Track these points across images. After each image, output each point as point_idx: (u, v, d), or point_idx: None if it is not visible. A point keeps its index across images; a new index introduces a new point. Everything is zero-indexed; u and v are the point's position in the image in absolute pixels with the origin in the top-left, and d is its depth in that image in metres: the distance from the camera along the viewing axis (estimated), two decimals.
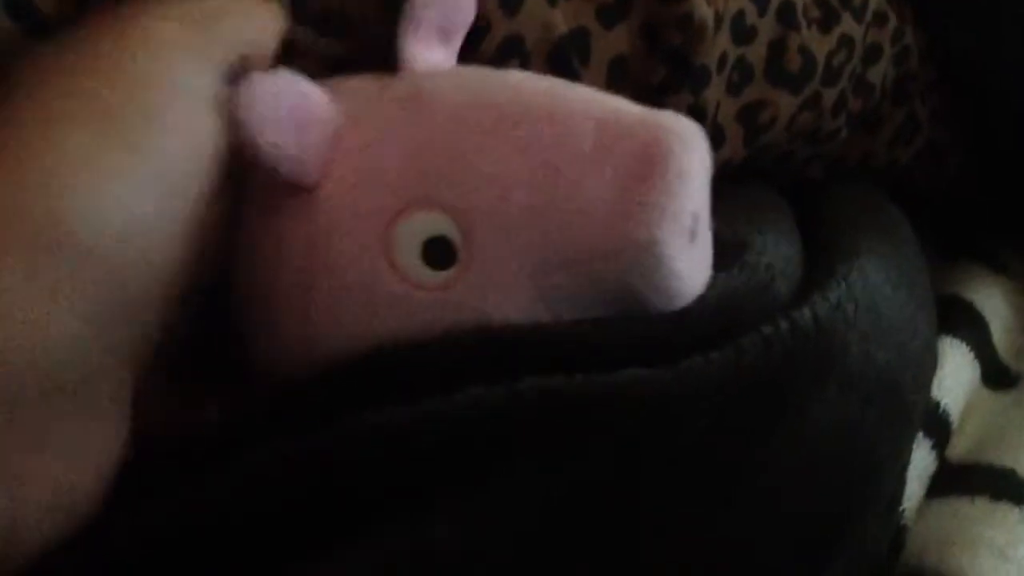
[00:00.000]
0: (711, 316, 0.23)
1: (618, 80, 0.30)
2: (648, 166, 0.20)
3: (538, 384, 0.20)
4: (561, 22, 0.28)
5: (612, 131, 0.21)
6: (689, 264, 0.21)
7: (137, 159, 0.18)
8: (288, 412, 0.21)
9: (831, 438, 0.22)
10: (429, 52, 0.24)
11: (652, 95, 0.30)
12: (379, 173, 0.21)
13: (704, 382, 0.21)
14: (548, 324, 0.21)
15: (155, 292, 0.19)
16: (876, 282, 0.26)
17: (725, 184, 0.34)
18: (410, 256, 0.21)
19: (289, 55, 0.24)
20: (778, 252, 0.26)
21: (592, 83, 0.29)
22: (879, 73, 0.37)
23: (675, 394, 0.21)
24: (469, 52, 0.26)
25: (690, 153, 0.20)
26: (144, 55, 0.19)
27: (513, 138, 0.21)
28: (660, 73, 0.30)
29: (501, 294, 0.21)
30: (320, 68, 0.24)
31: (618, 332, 0.22)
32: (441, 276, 0.21)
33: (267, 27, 0.23)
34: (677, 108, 0.30)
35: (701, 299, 0.23)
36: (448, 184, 0.21)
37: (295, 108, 0.20)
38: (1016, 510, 0.28)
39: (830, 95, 0.35)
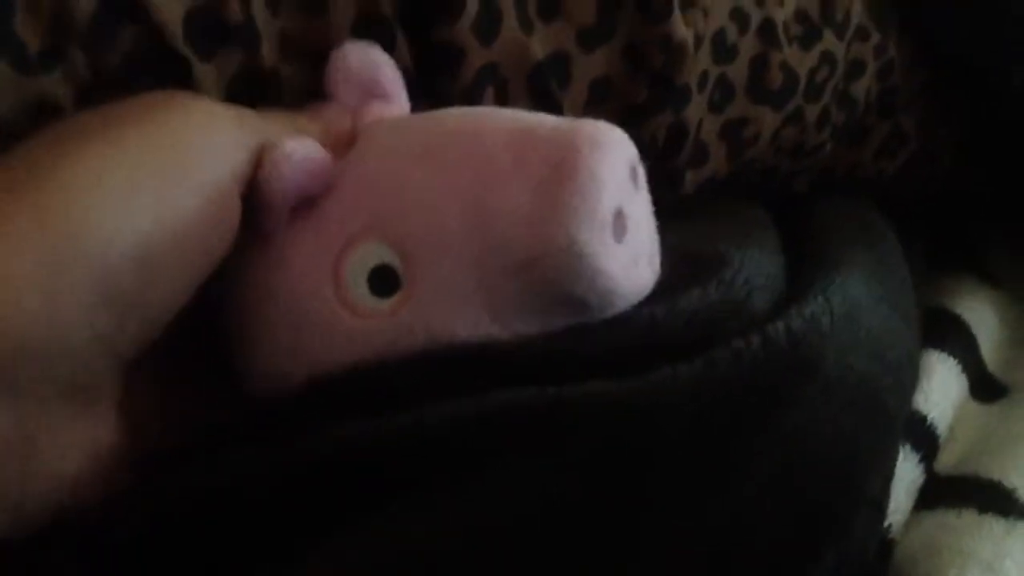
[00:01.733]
0: (683, 331, 0.23)
1: (600, 101, 0.30)
2: (560, 170, 0.21)
3: (506, 397, 0.21)
4: (538, 49, 0.28)
5: (528, 142, 0.22)
6: (617, 261, 0.21)
7: (153, 193, 0.19)
8: (264, 426, 0.21)
9: (809, 446, 0.23)
10: (367, 108, 0.25)
11: (635, 115, 0.31)
12: (326, 212, 0.22)
13: (672, 393, 0.21)
14: (517, 338, 0.22)
15: (155, 305, 0.20)
16: (856, 294, 0.27)
17: (709, 201, 0.34)
18: (357, 287, 0.22)
19: (270, 85, 0.25)
20: (758, 269, 0.27)
21: (573, 105, 0.30)
22: (862, 88, 0.37)
23: (643, 405, 0.21)
24: (445, 82, 0.27)
25: (601, 153, 0.21)
26: (184, 119, 0.20)
27: (437, 164, 0.22)
28: (643, 94, 0.30)
29: (447, 312, 0.21)
30: (297, 97, 0.25)
31: (587, 345, 0.22)
32: (387, 303, 0.22)
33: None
34: (659, 126, 0.31)
35: (673, 314, 0.23)
36: (384, 215, 0.22)
37: (312, 176, 0.22)
38: (1002, 522, 0.28)
39: (813, 110, 0.35)
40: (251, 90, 0.24)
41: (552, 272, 0.21)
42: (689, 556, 0.21)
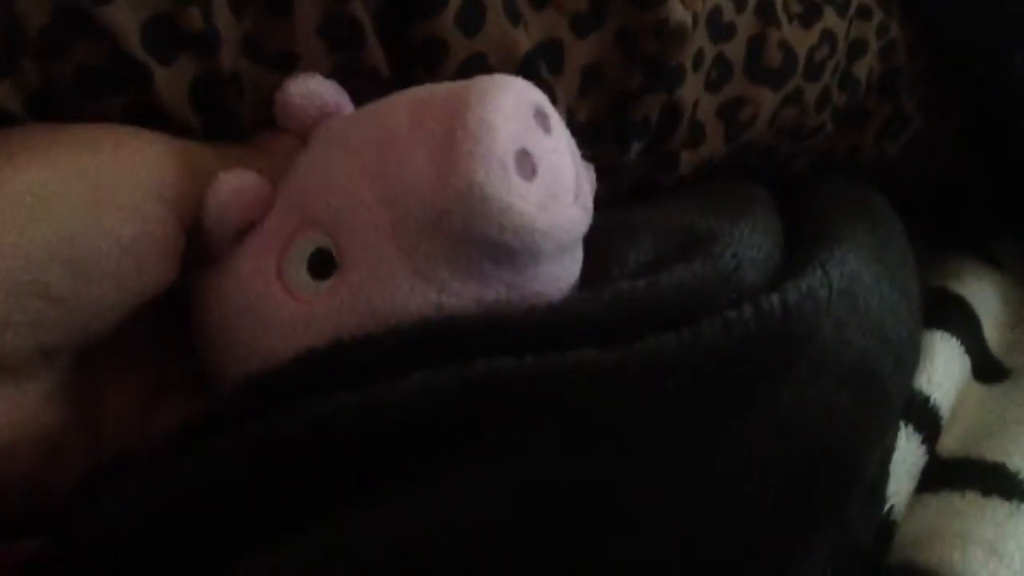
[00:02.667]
0: (669, 303, 0.23)
1: (593, 87, 0.30)
2: (450, 123, 0.21)
3: (487, 367, 0.20)
4: (524, 39, 0.28)
5: (424, 107, 0.23)
6: (526, 198, 0.21)
7: (83, 210, 0.21)
8: (241, 407, 0.21)
9: (802, 421, 0.22)
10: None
11: (628, 99, 0.30)
12: (268, 218, 0.24)
13: (657, 363, 0.21)
14: (498, 310, 0.22)
15: (84, 306, 0.21)
16: (855, 269, 0.26)
17: (705, 180, 0.34)
18: (298, 275, 0.23)
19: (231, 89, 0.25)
20: (750, 241, 0.26)
21: (566, 91, 0.29)
22: (864, 67, 0.36)
23: (627, 375, 0.21)
24: (425, 77, 0.27)
25: (490, 98, 0.22)
26: (114, 151, 0.22)
27: (349, 147, 0.23)
28: (637, 79, 0.30)
29: (381, 284, 0.22)
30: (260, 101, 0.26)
31: (568, 316, 0.22)
32: (326, 284, 0.23)
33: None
34: (651, 107, 0.30)
35: (657, 286, 0.23)
36: (314, 204, 0.23)
37: (248, 204, 0.24)
38: (1006, 505, 0.28)
39: (813, 90, 0.34)
40: (212, 95, 0.25)
41: (462, 220, 0.21)
42: (670, 534, 0.20)
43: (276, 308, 0.23)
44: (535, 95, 0.23)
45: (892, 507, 0.28)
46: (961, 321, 0.35)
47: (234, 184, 0.23)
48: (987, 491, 0.28)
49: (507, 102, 0.22)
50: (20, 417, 0.21)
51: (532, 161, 0.22)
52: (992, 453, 0.30)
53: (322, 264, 0.23)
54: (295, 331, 0.22)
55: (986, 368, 0.34)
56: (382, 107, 0.24)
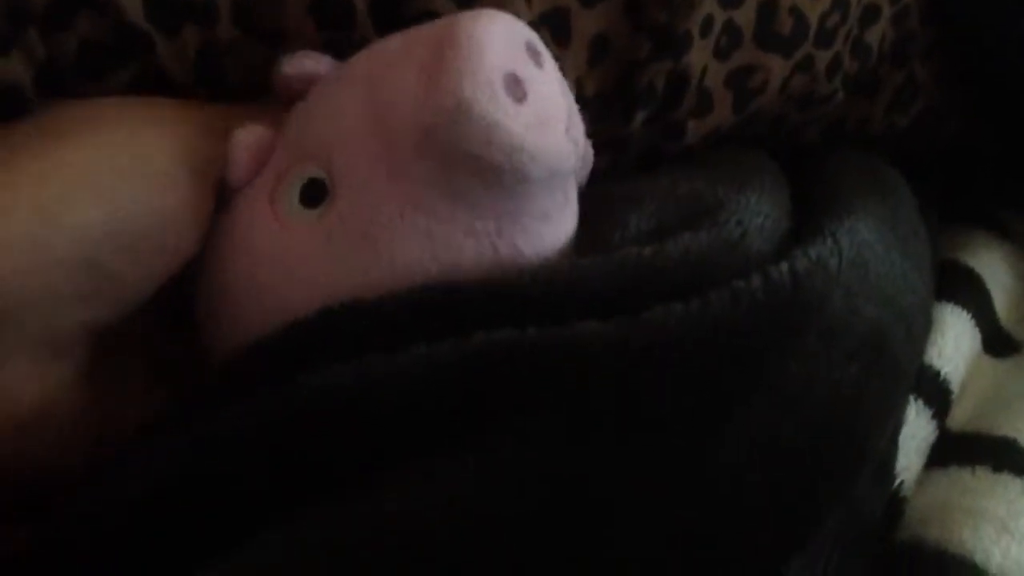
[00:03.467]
0: (674, 271, 0.22)
1: (600, 56, 0.29)
2: (441, 45, 0.21)
3: (486, 340, 0.20)
4: (525, 9, 0.27)
5: (414, 36, 0.23)
6: (514, 119, 0.21)
7: (126, 186, 0.21)
8: (231, 383, 0.21)
9: (810, 395, 0.22)
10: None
11: (635, 67, 0.29)
12: (273, 154, 0.24)
13: (663, 334, 0.20)
14: (499, 278, 0.21)
15: (132, 280, 0.22)
16: (866, 239, 0.26)
17: (713, 150, 0.33)
18: (290, 205, 0.23)
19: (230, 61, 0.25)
20: (757, 209, 0.25)
21: (573, 62, 0.29)
22: (877, 34, 0.35)
23: (632, 347, 0.20)
24: None
25: (482, 21, 0.22)
26: (144, 127, 0.22)
27: (343, 80, 0.24)
28: (645, 48, 0.29)
29: (371, 209, 0.22)
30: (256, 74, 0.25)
31: (571, 284, 0.21)
32: (316, 212, 0.22)
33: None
34: (657, 74, 0.30)
35: (662, 254, 0.22)
36: (308, 137, 0.23)
37: (262, 156, 0.24)
38: (1018, 481, 0.27)
39: (824, 58, 0.33)
40: (213, 66, 0.25)
41: (449, 137, 0.21)
42: (675, 512, 0.20)
43: (268, 238, 0.22)
44: (527, 31, 0.23)
45: (901, 483, 0.27)
46: (972, 294, 0.34)
47: (249, 140, 0.23)
48: (998, 467, 0.28)
49: (498, 27, 0.22)
50: (53, 395, 0.21)
51: (522, 87, 0.22)
52: (1003, 428, 0.30)
53: (315, 194, 0.22)
54: (287, 261, 0.22)
55: (997, 341, 0.34)
56: (376, 43, 0.24)
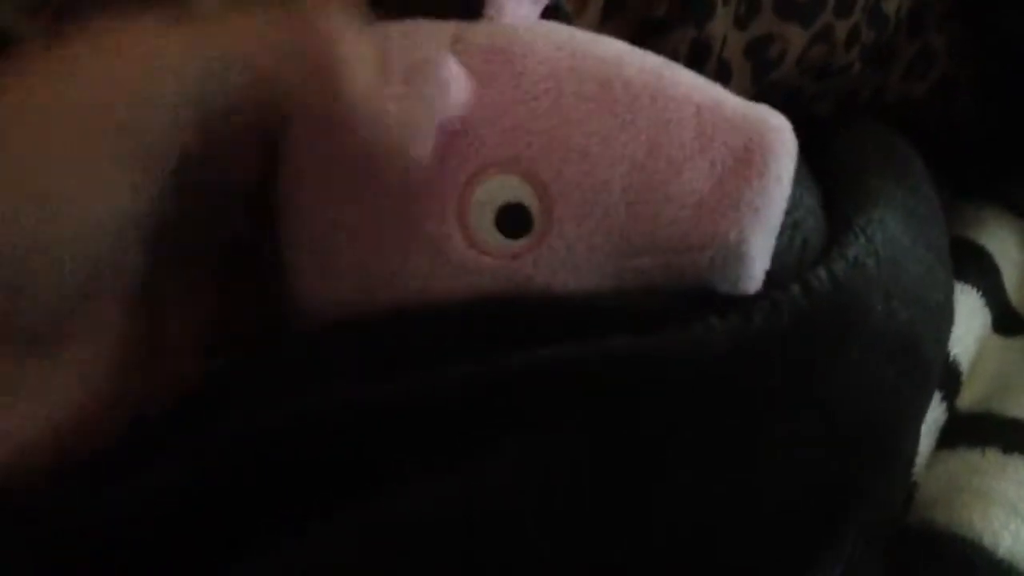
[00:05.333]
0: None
1: (615, 14, 0.28)
2: (748, 164, 0.20)
3: (526, 358, 0.19)
4: None
5: (714, 120, 0.20)
6: (766, 263, 0.21)
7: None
8: (266, 379, 0.20)
9: (853, 402, 0.21)
10: (517, 3, 0.22)
11: (654, 30, 0.28)
12: (458, 129, 0.20)
13: (703, 349, 0.20)
14: (537, 295, 0.20)
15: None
16: (895, 233, 0.25)
17: None
18: (483, 220, 0.20)
19: None
20: (803, 204, 0.24)
21: (588, 19, 0.27)
22: (894, 3, 0.34)
23: (671, 362, 0.20)
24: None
25: (789, 156, 0.20)
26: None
27: (614, 112, 0.20)
28: (663, 6, 0.28)
29: (572, 273, 0.20)
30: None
31: (614, 301, 0.20)
32: (513, 245, 0.20)
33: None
34: (680, 42, 0.29)
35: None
36: (537, 149, 0.20)
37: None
38: None
39: (843, 27, 0.33)
40: None
41: (709, 263, 0.20)
42: (718, 515, 0.20)
43: (446, 244, 0.20)
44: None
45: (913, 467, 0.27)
46: (981, 272, 0.34)
47: (454, 72, 0.19)
48: (1008, 448, 0.28)
49: (792, 156, 0.20)
50: (45, 394, 0.20)
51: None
52: (1013, 409, 0.29)
53: (512, 220, 0.20)
54: (462, 279, 0.20)
55: (1006, 320, 0.33)
56: (655, 81, 0.21)
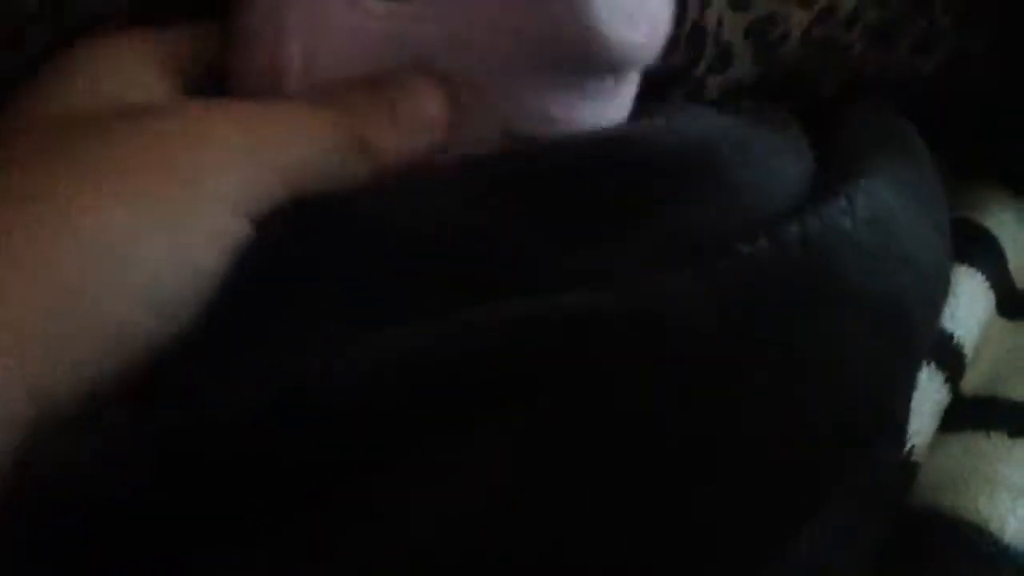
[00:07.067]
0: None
1: None
2: None
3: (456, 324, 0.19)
4: None
5: None
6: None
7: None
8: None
9: (828, 363, 0.21)
10: None
11: None
12: None
13: (666, 305, 0.19)
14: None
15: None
16: (883, 198, 0.25)
17: (730, 107, 0.32)
18: None
19: None
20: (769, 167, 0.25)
21: None
22: None
23: (627, 321, 0.19)
24: None
25: None
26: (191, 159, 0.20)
27: None
28: None
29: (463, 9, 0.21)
30: None
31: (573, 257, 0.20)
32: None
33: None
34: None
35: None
36: None
37: None
38: None
39: (845, 6, 0.32)
40: None
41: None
42: (692, 483, 0.19)
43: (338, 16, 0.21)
44: None
45: (913, 447, 0.27)
46: (985, 254, 0.33)
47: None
48: (1014, 432, 0.28)
49: None
50: None
51: None
52: (1019, 392, 0.29)
53: None
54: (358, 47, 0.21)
55: (1011, 303, 0.33)
56: None
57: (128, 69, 0.21)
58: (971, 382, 0.30)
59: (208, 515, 0.17)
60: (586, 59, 0.22)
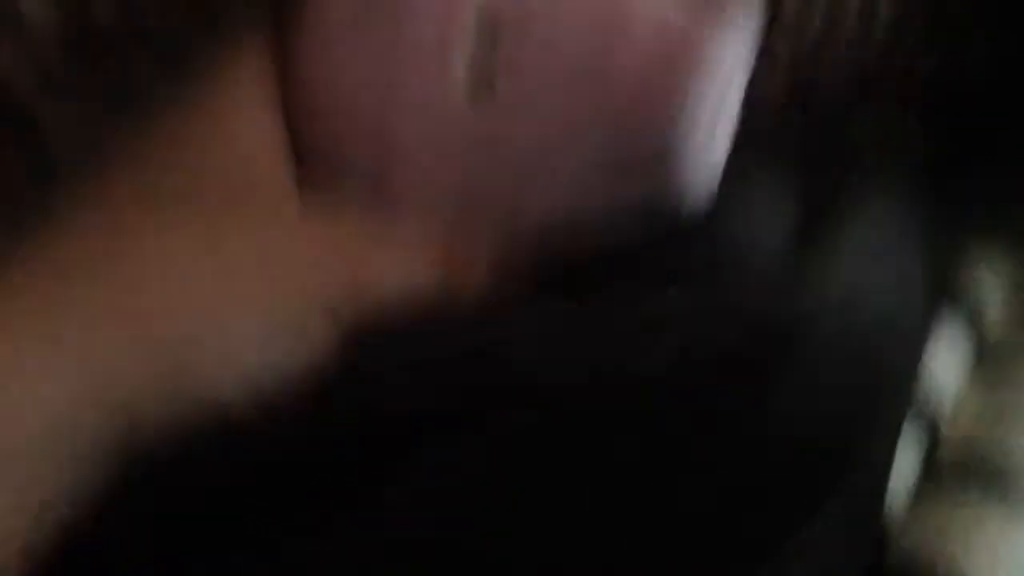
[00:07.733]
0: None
1: None
2: None
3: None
4: None
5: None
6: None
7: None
8: None
9: (800, 416, 0.21)
10: None
11: None
12: None
13: (647, 360, 0.20)
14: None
15: None
16: (861, 244, 0.25)
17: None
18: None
19: None
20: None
21: None
22: None
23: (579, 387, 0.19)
24: None
25: None
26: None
27: None
28: None
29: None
30: None
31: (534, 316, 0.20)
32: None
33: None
34: None
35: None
36: None
37: None
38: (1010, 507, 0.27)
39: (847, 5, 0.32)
40: None
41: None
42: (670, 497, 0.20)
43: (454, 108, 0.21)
44: None
45: (891, 502, 0.26)
46: (964, 304, 0.33)
47: None
48: (989, 490, 0.27)
49: None
50: None
51: None
52: (998, 444, 0.29)
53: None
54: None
55: (991, 352, 0.33)
56: None
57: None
58: (950, 431, 0.30)
59: (208, 515, 0.18)
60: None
